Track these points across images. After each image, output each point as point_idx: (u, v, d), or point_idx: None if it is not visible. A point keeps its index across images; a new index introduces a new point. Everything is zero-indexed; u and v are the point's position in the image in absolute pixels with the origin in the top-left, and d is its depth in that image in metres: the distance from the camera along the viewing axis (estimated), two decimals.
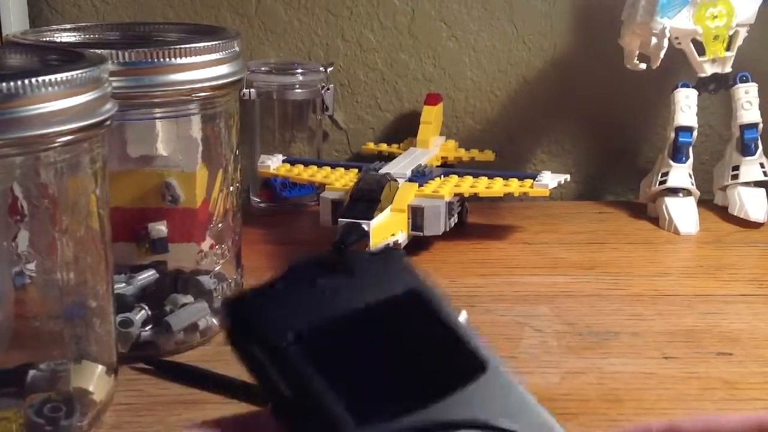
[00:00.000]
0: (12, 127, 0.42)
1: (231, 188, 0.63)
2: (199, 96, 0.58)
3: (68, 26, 0.65)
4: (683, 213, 0.85)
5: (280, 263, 0.58)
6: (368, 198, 0.72)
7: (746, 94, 0.87)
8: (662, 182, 0.86)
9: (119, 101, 0.49)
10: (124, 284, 0.59)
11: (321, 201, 0.77)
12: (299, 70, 0.92)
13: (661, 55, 0.83)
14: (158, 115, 0.58)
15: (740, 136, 0.87)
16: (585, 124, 0.99)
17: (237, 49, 0.60)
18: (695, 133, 0.87)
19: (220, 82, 0.58)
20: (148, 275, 0.60)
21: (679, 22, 0.83)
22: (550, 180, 0.79)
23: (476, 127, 0.98)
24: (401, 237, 0.73)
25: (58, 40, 0.63)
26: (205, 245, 0.62)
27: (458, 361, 0.25)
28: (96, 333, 0.52)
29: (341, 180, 0.80)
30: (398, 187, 0.76)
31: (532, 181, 0.79)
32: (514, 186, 0.79)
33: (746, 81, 0.87)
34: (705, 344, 0.62)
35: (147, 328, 0.59)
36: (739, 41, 0.86)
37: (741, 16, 0.84)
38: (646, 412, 0.53)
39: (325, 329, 0.25)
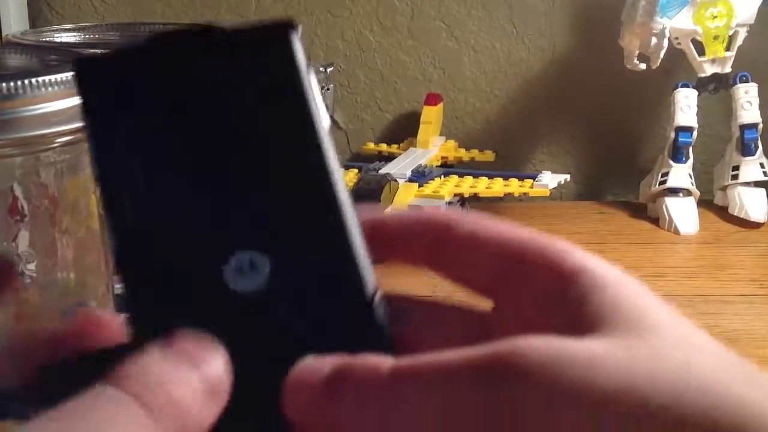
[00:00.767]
0: (12, 127, 0.42)
1: None
2: None
3: (68, 26, 0.66)
4: (683, 213, 0.85)
5: None
6: (368, 198, 0.72)
7: (746, 94, 0.87)
8: (662, 182, 0.86)
9: None
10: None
11: None
12: None
13: (661, 55, 0.83)
14: None
15: (740, 136, 0.87)
16: (585, 124, 0.99)
17: None
18: (695, 133, 0.87)
19: None
20: None
21: (678, 22, 0.83)
22: (550, 180, 0.79)
23: (476, 127, 0.98)
24: None
25: (58, 40, 0.63)
26: None
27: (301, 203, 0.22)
28: None
29: None
30: (398, 188, 0.76)
31: (532, 181, 0.79)
32: (514, 186, 0.79)
33: (746, 81, 0.87)
34: None
35: None
36: (739, 41, 0.86)
37: (741, 16, 0.84)
38: None
39: (171, 121, 0.22)
